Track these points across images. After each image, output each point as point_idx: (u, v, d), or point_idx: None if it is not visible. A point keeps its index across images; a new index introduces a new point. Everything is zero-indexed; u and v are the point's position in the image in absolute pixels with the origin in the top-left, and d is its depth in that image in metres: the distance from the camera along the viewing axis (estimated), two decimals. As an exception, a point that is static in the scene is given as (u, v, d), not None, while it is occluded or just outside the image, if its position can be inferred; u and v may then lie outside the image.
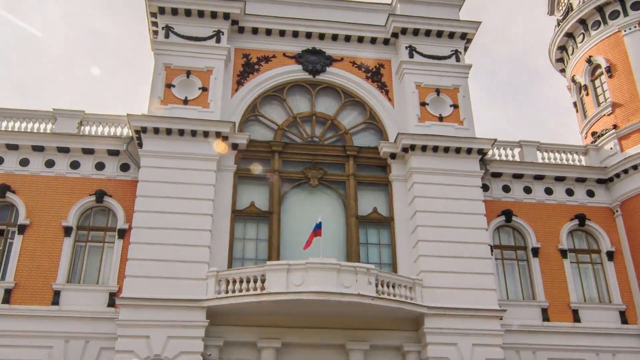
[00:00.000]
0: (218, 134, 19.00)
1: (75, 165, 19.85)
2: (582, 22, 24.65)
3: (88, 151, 19.88)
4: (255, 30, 21.83)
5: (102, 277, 18.61)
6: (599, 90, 23.72)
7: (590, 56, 24.21)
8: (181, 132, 18.90)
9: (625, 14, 23.31)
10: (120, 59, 67.58)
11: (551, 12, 26.59)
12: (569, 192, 21.63)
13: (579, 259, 20.96)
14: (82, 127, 20.59)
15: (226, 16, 21.13)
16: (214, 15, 21.11)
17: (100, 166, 19.90)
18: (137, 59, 70.10)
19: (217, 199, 18.79)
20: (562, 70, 27.25)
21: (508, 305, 19.33)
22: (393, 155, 20.06)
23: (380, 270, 17.33)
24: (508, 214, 20.83)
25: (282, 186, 19.83)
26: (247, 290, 16.50)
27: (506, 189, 21.39)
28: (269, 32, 21.86)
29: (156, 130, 18.82)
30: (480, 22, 22.07)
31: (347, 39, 22.17)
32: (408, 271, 18.32)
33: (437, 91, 21.04)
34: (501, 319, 18.71)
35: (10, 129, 20.05)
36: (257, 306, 16.37)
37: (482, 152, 20.02)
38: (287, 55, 21.76)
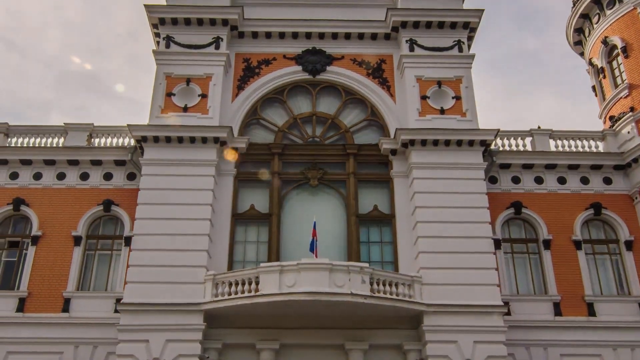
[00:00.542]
0: (216, 140, 19.46)
1: (84, 176, 20.79)
2: (597, 1, 23.77)
3: (96, 162, 20.78)
4: (254, 34, 22.23)
5: (110, 283, 19.46)
6: (616, 72, 22.90)
7: (606, 37, 23.36)
8: (180, 140, 19.45)
9: (643, -11, 22.35)
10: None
11: (567, -7, 25.76)
12: (584, 181, 20.89)
13: (595, 250, 20.25)
14: (92, 140, 21.49)
15: (225, 22, 21.63)
16: (212, 22, 21.65)
17: (108, 176, 20.76)
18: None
19: (217, 203, 19.24)
20: (582, 54, 26.28)
21: (518, 301, 19.16)
22: (394, 152, 19.98)
23: (376, 269, 17.29)
24: (518, 206, 20.34)
25: (282, 188, 20.12)
26: (242, 292, 16.86)
27: (516, 180, 20.87)
28: (268, 35, 22.22)
29: (156, 139, 19.46)
30: (482, 10, 21.66)
31: (347, 36, 22.24)
32: (409, 268, 18.23)
33: (439, 83, 20.79)
34: (506, 314, 18.45)
35: (25, 145, 21.18)
36: (252, 308, 16.66)
37: (485, 144, 19.60)
38: (287, 56, 22.02)
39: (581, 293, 19.10)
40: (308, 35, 22.16)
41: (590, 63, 24.47)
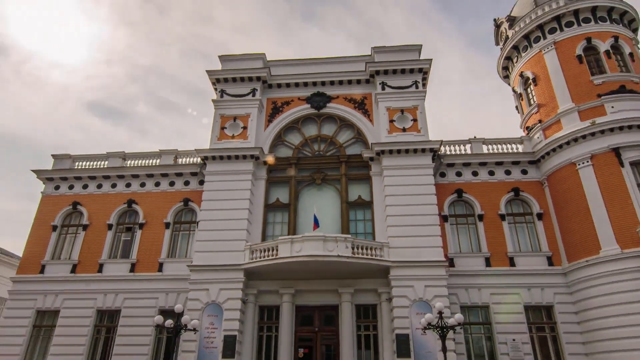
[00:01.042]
0: (252, 156, 19.99)
1: (172, 184, 21.49)
2: (516, 47, 23.08)
3: (179, 174, 21.50)
4: (279, 85, 22.45)
5: (188, 253, 20.06)
6: (530, 96, 22.04)
7: (522, 71, 22.55)
8: (229, 157, 20.06)
9: (544, 38, 21.51)
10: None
11: (497, 43, 24.97)
12: (507, 173, 20.37)
13: (516, 220, 19.67)
14: (177, 159, 22.41)
15: (258, 78, 22.01)
16: (250, 79, 22.06)
17: (186, 183, 21.44)
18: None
19: (254, 198, 19.71)
20: (509, 84, 25.52)
21: (460, 257, 18.94)
22: (372, 159, 19.94)
23: (356, 239, 17.35)
24: (460, 192, 20.07)
25: (297, 186, 20.25)
26: (267, 256, 17.30)
27: (459, 174, 20.54)
28: (288, 85, 22.38)
29: (213, 157, 20.14)
30: (431, 59, 21.28)
31: (341, 82, 22.14)
32: (382, 237, 18.23)
33: (402, 111, 20.58)
34: (451, 267, 18.33)
35: (135, 165, 22.15)
36: (273, 266, 17.05)
37: (432, 150, 19.41)
38: (301, 98, 22.16)
39: (505, 250, 18.72)
40: (314, 84, 22.19)
41: (514, 90, 23.71)
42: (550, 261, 18.39)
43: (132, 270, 19.58)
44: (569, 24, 21.07)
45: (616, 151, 17.65)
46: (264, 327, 17.82)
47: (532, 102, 21.75)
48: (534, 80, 21.53)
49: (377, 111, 21.13)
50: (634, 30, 21.94)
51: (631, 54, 20.13)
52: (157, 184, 21.53)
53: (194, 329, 13.98)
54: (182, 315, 13.91)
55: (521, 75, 22.57)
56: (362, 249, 17.15)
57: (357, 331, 17.35)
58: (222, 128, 21.07)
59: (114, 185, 21.65)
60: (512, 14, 23.96)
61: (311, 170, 20.46)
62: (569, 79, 20.02)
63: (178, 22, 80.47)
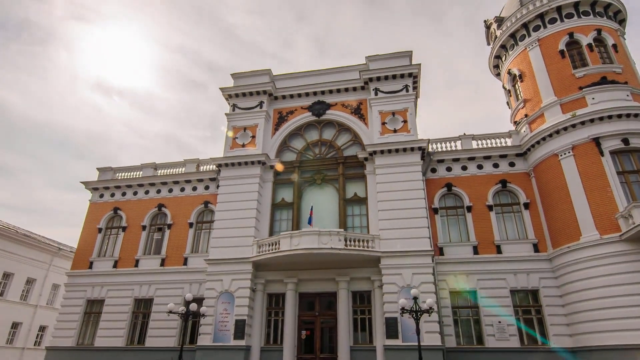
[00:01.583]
0: (259, 162, 20.84)
1: (194, 188, 22.67)
2: (503, 46, 22.47)
3: (200, 180, 22.70)
4: (284, 97, 23.11)
5: (208, 249, 20.53)
6: (518, 92, 21.43)
7: (509, 69, 21.95)
8: (239, 164, 21.01)
9: (529, 36, 20.85)
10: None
11: (488, 43, 24.35)
12: (495, 166, 19.98)
13: (503, 210, 19.28)
14: (199, 167, 23.68)
15: (265, 92, 22.77)
16: (258, 93, 22.86)
17: (206, 187, 22.54)
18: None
19: (261, 198, 20.54)
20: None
21: (449, 246, 18.82)
22: (366, 159, 20.21)
23: (347, 232, 17.76)
24: (449, 186, 19.93)
25: (300, 186, 20.85)
26: (271, 250, 18.08)
27: (449, 169, 20.34)
28: (291, 96, 22.98)
29: (226, 164, 21.16)
30: (419, 64, 21.24)
31: (338, 90, 22.48)
32: (375, 230, 18.39)
33: (393, 114, 20.67)
34: (440, 255, 18.35)
35: (164, 174, 23.54)
36: (276, 259, 17.75)
37: (421, 149, 19.43)
38: (303, 107, 22.70)
39: (492, 239, 18.43)
40: (315, 93, 22.63)
41: (504, 87, 23.09)
42: (536, 248, 17.94)
43: (162, 264, 21.01)
44: (552, 21, 20.30)
45: (596, 141, 16.95)
46: (272, 312, 18.63)
47: (519, 97, 21.15)
48: (520, 76, 20.93)
49: (371, 115, 21.28)
50: (621, 22, 20.78)
51: (614, 45, 19.12)
52: (182, 190, 22.90)
53: (203, 315, 15.06)
54: (191, 303, 15.02)
55: (509, 72, 21.99)
56: (354, 241, 17.55)
57: (354, 315, 17.76)
58: (234, 138, 22.08)
59: (147, 192, 23.24)
60: (500, 15, 23.33)
61: (312, 171, 21.00)
62: (552, 73, 19.35)
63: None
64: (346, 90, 22.48)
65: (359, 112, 21.93)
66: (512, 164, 19.86)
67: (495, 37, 23.00)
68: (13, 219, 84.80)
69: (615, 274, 14.94)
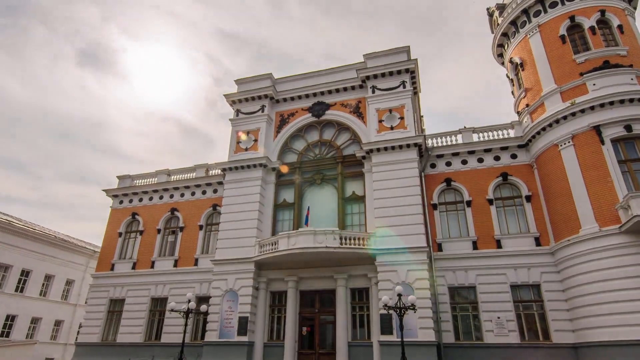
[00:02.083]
0: (261, 164, 21.61)
1: (204, 192, 23.90)
2: (505, 34, 21.91)
3: (209, 184, 23.84)
4: (284, 99, 23.72)
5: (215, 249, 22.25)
6: (520, 81, 20.82)
7: (511, 57, 21.35)
8: (242, 167, 21.87)
9: (529, 22, 20.22)
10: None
11: (492, 31, 23.72)
12: (496, 158, 19.61)
13: (505, 204, 18.93)
14: (209, 171, 24.81)
15: (266, 96, 23.49)
16: (260, 97, 23.61)
17: (215, 191, 23.64)
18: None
19: (264, 199, 21.27)
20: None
21: (448, 242, 18.79)
22: (363, 157, 20.44)
23: (342, 231, 18.16)
24: (448, 181, 19.81)
25: (301, 187, 21.42)
26: (271, 250, 18.80)
27: (448, 164, 20.19)
28: (292, 98, 23.54)
29: (230, 168, 22.10)
30: (416, 59, 21.16)
31: (337, 90, 22.77)
32: (373, 228, 18.60)
33: (390, 111, 20.72)
34: (439, 251, 18.39)
35: (177, 179, 24.90)
36: (275, 258, 18.41)
37: (417, 145, 19.42)
38: (304, 109, 23.20)
39: (492, 233, 18.19)
40: (314, 94, 23.03)
41: (507, 76, 22.46)
42: (538, 241, 17.52)
43: (175, 265, 22.34)
44: (553, 5, 19.59)
45: (597, 129, 16.32)
46: (275, 310, 19.43)
47: (521, 86, 20.58)
48: (521, 65, 20.36)
49: (368, 113, 21.38)
50: (630, 0, 19.72)
51: (620, 26, 18.19)
52: (193, 194, 24.15)
53: (203, 313, 16.09)
54: (190, 302, 16.07)
55: (511, 61, 21.41)
56: (349, 239, 17.93)
57: (352, 312, 18.18)
58: (238, 142, 22.98)
59: (161, 197, 24.72)
60: (503, 1, 22.71)
61: (312, 171, 21.49)
62: (552, 60, 18.72)
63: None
64: (345, 89, 22.73)
65: (357, 110, 22.14)
66: (514, 156, 19.44)
67: (498, 24, 22.44)
68: (33, 216, 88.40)
69: (615, 268, 14.44)
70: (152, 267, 22.75)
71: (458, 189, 19.67)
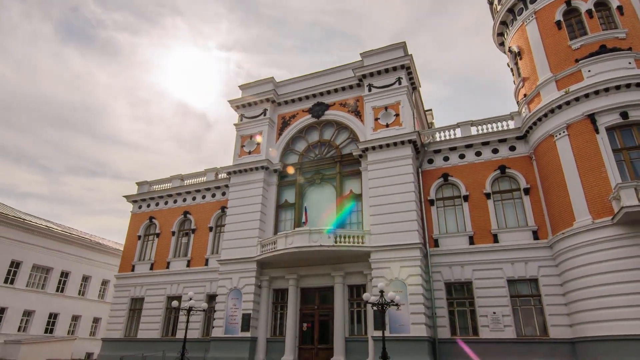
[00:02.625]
0: (262, 167, 22.54)
1: (213, 195, 25.14)
2: (504, 22, 21.48)
3: (217, 187, 25.09)
4: (286, 102, 24.54)
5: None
6: (519, 70, 20.34)
7: (510, 46, 20.95)
8: (245, 170, 22.91)
9: (526, 8, 19.75)
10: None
11: (493, 19, 23.23)
12: (495, 151, 19.39)
13: (503, 197, 18.72)
14: (218, 175, 26.07)
15: (268, 100, 24.43)
16: (261, 101, 24.60)
17: (223, 194, 24.78)
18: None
19: (266, 201, 22.21)
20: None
21: (445, 237, 18.87)
22: (360, 156, 20.86)
23: (337, 229, 18.70)
24: (445, 176, 19.82)
25: (301, 187, 22.15)
26: (271, 249, 19.69)
27: (446, 159, 20.18)
28: (293, 100, 24.33)
29: (234, 172, 23.20)
30: (410, 55, 21.21)
31: (336, 90, 23.27)
32: (369, 226, 19.03)
33: (386, 108, 20.97)
34: (435, 247, 18.52)
35: (188, 184, 26.57)
36: (274, 257, 19.31)
37: (411, 141, 19.57)
38: (304, 110, 23.91)
39: (489, 228, 18.10)
40: (314, 95, 23.66)
41: (508, 65, 21.98)
42: (536, 235, 17.27)
43: (188, 265, 23.80)
44: (550, -11, 19.05)
45: (591, 117, 15.86)
46: (278, 306, 20.35)
47: (520, 76, 20.15)
48: (519, 53, 19.96)
49: (364, 111, 21.74)
50: (634, -23, 18.75)
51: (620, 7, 17.42)
52: (204, 197, 25.52)
53: (203, 310, 17.35)
54: (190, 300, 17.31)
55: (510, 50, 21.00)
56: (344, 237, 18.47)
57: (350, 308, 18.75)
58: (242, 146, 24.04)
59: (175, 201, 26.30)
60: (502, -12, 22.21)
61: (312, 172, 22.15)
62: (547, 47, 18.26)
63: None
64: (343, 89, 23.20)
65: (355, 109, 22.54)
66: (512, 148, 19.16)
67: (497, 12, 22.03)
68: (48, 212, 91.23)
69: (608, 261, 14.11)
70: (168, 267, 24.35)
71: (455, 184, 19.65)
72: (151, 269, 24.85)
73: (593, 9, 17.63)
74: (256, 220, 21.37)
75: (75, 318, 37.27)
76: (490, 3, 23.08)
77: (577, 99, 16.31)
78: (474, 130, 20.31)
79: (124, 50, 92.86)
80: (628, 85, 15.43)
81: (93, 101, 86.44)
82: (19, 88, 75.96)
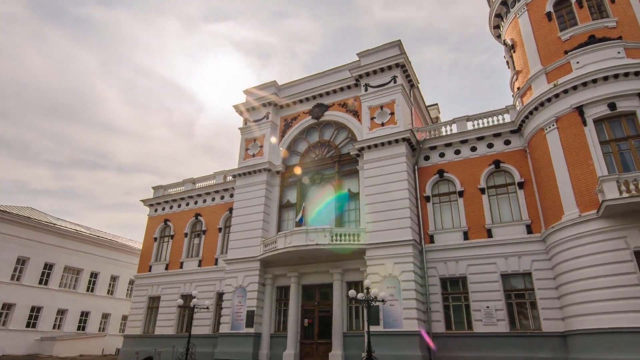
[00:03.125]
0: (265, 169, 23.55)
1: (222, 197, 26.43)
2: (498, 15, 21.43)
3: (226, 189, 26.41)
4: (287, 105, 25.45)
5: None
6: (514, 63, 20.34)
7: (504, 39, 20.95)
8: (249, 173, 24.01)
9: (518, 0, 19.71)
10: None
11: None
12: (490, 146, 19.52)
13: (497, 192, 18.89)
14: (226, 178, 27.31)
15: (270, 104, 25.42)
16: (264, 105, 25.60)
17: (231, 195, 25.90)
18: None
19: (269, 201, 23.24)
20: (511, 49, 23.37)
21: (439, 233, 19.29)
22: (357, 155, 21.47)
23: (334, 228, 19.44)
24: (441, 172, 20.15)
25: (302, 187, 23.00)
26: (272, 249, 20.70)
27: (442, 155, 20.45)
28: (294, 102, 25.17)
29: (239, 174, 24.36)
30: (404, 54, 21.59)
31: (334, 91, 23.93)
32: (365, 224, 19.69)
33: (381, 107, 21.45)
34: (431, 243, 18.98)
35: (200, 187, 28.04)
36: (275, 256, 20.31)
37: (405, 139, 19.98)
38: (305, 112, 24.72)
39: (483, 223, 18.36)
40: (314, 97, 24.39)
41: (504, 57, 21.90)
42: (530, 229, 17.40)
43: (199, 265, 25.24)
44: (541, -20, 18.94)
45: (579, 110, 15.84)
46: (281, 303, 21.38)
47: (514, 69, 20.14)
48: (513, 46, 19.95)
49: (363, 111, 22.25)
50: (629, -38, 18.33)
51: (611, -5, 17.21)
52: (213, 199, 26.87)
53: (207, 307, 18.52)
54: (194, 298, 18.58)
55: (504, 43, 20.98)
56: (341, 236, 19.21)
57: (349, 304, 19.48)
58: (247, 149, 25.16)
59: (187, 204, 27.83)
60: (497, -20, 22.14)
61: (313, 172, 22.96)
62: (538, 40, 18.24)
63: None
64: (341, 89, 23.84)
65: (353, 109, 23.15)
66: (507, 142, 19.25)
67: (492, 4, 21.99)
68: (60, 209, 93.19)
69: (594, 254, 14.21)
70: (181, 267, 25.90)
71: (451, 180, 19.95)
72: (166, 269, 26.49)
73: (583, -2, 17.49)
74: (259, 220, 22.44)
75: (105, 316, 39.88)
76: (487, -4, 23.02)
77: (565, 92, 16.31)
78: (470, 126, 20.52)
79: (102, 27, 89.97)
80: (616, 76, 15.32)
81: (79, 85, 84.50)
82: (5, 74, 74.90)
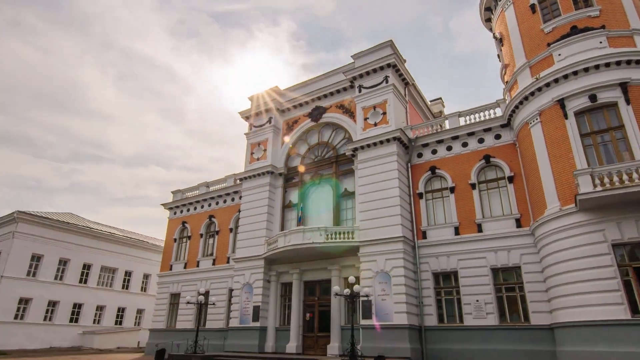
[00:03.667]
0: (268, 172, 24.52)
1: (232, 199, 27.69)
2: (488, 9, 21.14)
3: (235, 192, 27.64)
4: (288, 109, 26.26)
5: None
6: (503, 57, 20.08)
7: (494, 33, 20.66)
8: (253, 176, 25.07)
9: (505, -7, 19.44)
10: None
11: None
12: (480, 141, 19.47)
13: (488, 187, 18.87)
14: (236, 181, 28.49)
15: (272, 109, 26.32)
16: (267, 111, 26.58)
17: (240, 197, 27.15)
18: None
19: (274, 202, 24.20)
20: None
21: (432, 229, 19.51)
22: (353, 155, 21.94)
23: (329, 227, 20.07)
24: (433, 169, 20.30)
25: (304, 188, 23.80)
26: (274, 247, 21.67)
27: (434, 152, 20.57)
28: (295, 106, 25.93)
29: (245, 178, 25.48)
30: (394, 54, 21.76)
31: (332, 94, 24.47)
32: (359, 222, 20.18)
33: (374, 107, 21.80)
34: (423, 239, 19.30)
35: (211, 190, 29.49)
36: (276, 254, 21.25)
37: (396, 138, 20.27)
38: (304, 115, 25.41)
39: (473, 218, 18.46)
40: (313, 100, 25.02)
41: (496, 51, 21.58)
42: (519, 223, 17.34)
43: (213, 263, 26.69)
44: (525, -29, 18.58)
45: (561, 103, 15.62)
46: (286, 298, 22.37)
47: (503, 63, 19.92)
48: (501, 40, 19.71)
49: (357, 112, 22.65)
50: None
51: (596, -18, 16.67)
52: (225, 201, 28.22)
53: (213, 303, 19.82)
54: (203, 295, 19.88)
55: (494, 36, 20.71)
56: (336, 234, 19.87)
57: (346, 299, 20.14)
58: (252, 153, 26.24)
59: (202, 207, 29.34)
60: (488, -28, 21.81)
61: (312, 173, 23.69)
62: (523, 33, 17.98)
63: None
64: (338, 92, 24.36)
65: (349, 111, 23.62)
66: (497, 137, 19.14)
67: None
68: (73, 207, 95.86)
69: (574, 247, 14.13)
70: (198, 266, 27.47)
71: (442, 176, 20.07)
72: (185, 267, 28.16)
73: (567, -12, 17.06)
74: (264, 221, 23.49)
75: (140, 311, 42.64)
76: (479, -11, 22.68)
77: (547, 85, 16.09)
78: (462, 121, 20.51)
79: (79, 9, 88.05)
80: (597, 67, 14.99)
81: (65, 71, 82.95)
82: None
